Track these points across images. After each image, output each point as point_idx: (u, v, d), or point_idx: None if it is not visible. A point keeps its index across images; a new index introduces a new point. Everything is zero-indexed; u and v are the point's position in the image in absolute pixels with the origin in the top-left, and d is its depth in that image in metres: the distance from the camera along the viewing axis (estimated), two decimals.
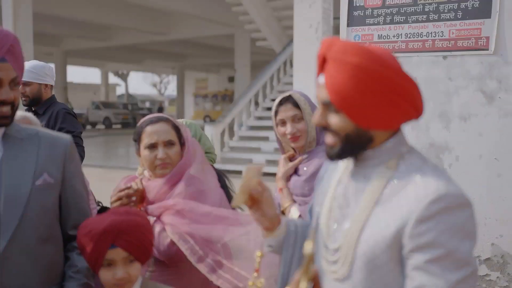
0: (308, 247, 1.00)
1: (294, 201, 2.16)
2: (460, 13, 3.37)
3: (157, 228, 1.82)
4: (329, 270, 1.18)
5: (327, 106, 1.14)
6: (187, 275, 1.89)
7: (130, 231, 1.45)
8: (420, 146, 3.56)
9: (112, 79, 36.52)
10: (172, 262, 1.84)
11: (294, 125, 2.13)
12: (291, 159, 2.25)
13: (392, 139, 1.14)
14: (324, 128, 1.16)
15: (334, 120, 1.13)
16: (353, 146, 1.13)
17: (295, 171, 2.20)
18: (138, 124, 1.98)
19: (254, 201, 1.29)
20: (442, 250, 1.01)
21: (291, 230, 1.36)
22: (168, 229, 1.80)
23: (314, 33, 6.60)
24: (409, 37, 3.55)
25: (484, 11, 3.28)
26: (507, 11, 3.21)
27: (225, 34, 16.17)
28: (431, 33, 3.48)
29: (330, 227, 1.20)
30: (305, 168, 2.16)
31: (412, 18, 3.54)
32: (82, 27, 17.68)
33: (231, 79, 23.42)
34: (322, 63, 1.14)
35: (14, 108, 1.44)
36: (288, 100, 2.16)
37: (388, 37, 3.64)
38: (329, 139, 1.16)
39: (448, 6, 3.40)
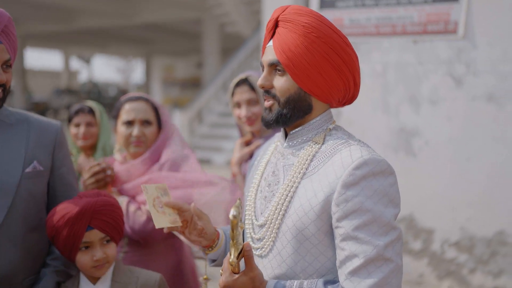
0: (232, 212, 0.98)
1: None
2: None
3: (131, 208, 1.82)
4: (255, 248, 1.21)
5: (273, 67, 1.16)
6: (161, 256, 1.89)
7: (104, 211, 1.46)
8: (390, 131, 3.57)
9: (75, 65, 35.49)
10: (147, 241, 1.84)
11: (250, 108, 2.10)
12: (247, 143, 2.22)
13: (320, 116, 1.19)
14: (267, 91, 1.18)
15: (279, 81, 1.15)
16: (292, 112, 1.15)
17: (251, 157, 2.17)
18: (119, 101, 1.99)
19: (185, 223, 1.27)
20: (369, 215, 1.03)
21: (228, 237, 1.36)
22: (144, 207, 1.80)
23: None
24: (379, 21, 3.52)
25: None
26: None
27: (193, 18, 15.87)
28: (401, 17, 3.46)
29: (257, 206, 1.22)
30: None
31: (382, 1, 3.50)
32: (42, 9, 16.98)
33: (200, 65, 23.13)
34: (273, 28, 1.16)
35: (5, 91, 1.39)
36: (245, 82, 2.13)
37: (359, 20, 3.60)
38: (267, 102, 1.18)
39: None
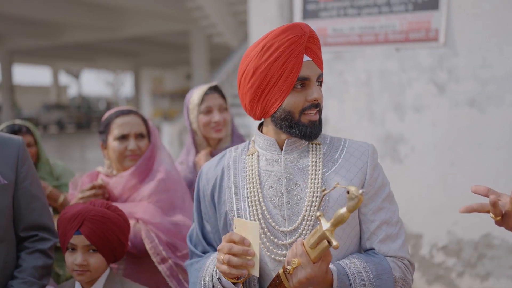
0: (355, 190, 1.01)
1: None
2: (411, 6, 3.42)
3: (132, 221, 1.83)
4: (282, 254, 1.25)
5: (317, 80, 1.26)
6: (160, 273, 1.87)
7: (95, 220, 1.50)
8: (376, 138, 3.61)
9: (64, 79, 35.35)
10: (145, 255, 1.83)
11: (222, 114, 2.14)
12: (211, 154, 2.23)
13: None
14: (317, 104, 1.26)
15: (320, 92, 1.26)
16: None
17: None
18: (106, 116, 1.98)
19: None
20: (387, 188, 1.29)
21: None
22: (141, 223, 1.83)
23: (269, 28, 6.58)
24: (362, 30, 3.58)
25: (433, 3, 3.35)
26: (454, 3, 3.28)
27: (180, 30, 15.93)
28: (384, 26, 3.52)
29: (275, 213, 1.26)
30: None
31: (364, 11, 3.56)
32: (29, 25, 16.95)
33: (188, 77, 23.15)
34: (303, 43, 1.23)
35: None
36: (216, 89, 2.18)
37: (342, 30, 3.65)
38: (317, 116, 1.28)
39: None
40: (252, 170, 1.31)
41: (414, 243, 3.51)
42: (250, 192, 1.29)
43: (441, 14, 3.32)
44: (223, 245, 1.18)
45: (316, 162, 1.27)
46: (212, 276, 1.27)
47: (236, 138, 2.24)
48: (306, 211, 1.23)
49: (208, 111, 2.14)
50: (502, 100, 3.18)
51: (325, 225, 1.05)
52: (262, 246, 1.26)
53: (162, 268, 1.74)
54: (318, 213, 1.07)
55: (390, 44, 3.51)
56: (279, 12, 5.23)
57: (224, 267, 1.17)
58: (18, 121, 2.47)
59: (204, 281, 1.29)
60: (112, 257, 1.57)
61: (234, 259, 1.15)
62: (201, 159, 2.15)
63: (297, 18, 3.86)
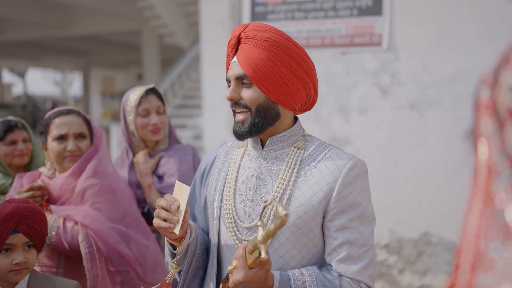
0: (284, 211, 0.98)
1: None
2: (356, 11, 3.52)
3: (69, 223, 1.79)
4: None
5: (240, 80, 1.25)
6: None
7: (31, 216, 1.51)
8: (323, 139, 3.67)
9: (7, 77, 33.76)
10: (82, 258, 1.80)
11: (159, 116, 2.15)
12: (149, 155, 2.24)
13: (296, 124, 1.33)
14: (236, 103, 1.27)
15: (247, 93, 1.25)
16: (263, 120, 1.25)
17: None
18: (46, 116, 1.94)
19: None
20: (360, 208, 1.24)
21: (194, 234, 1.39)
22: (80, 226, 1.78)
23: (221, 29, 6.57)
24: (309, 34, 3.64)
25: (376, 9, 3.46)
26: (397, 9, 3.41)
27: (131, 30, 15.60)
28: (330, 29, 3.60)
29: (240, 209, 1.30)
30: (168, 167, 2.17)
31: (311, 14, 3.63)
32: None
33: (140, 77, 22.72)
34: (235, 45, 1.26)
35: None
36: (153, 91, 2.19)
37: (290, 33, 3.69)
38: (240, 116, 1.27)
39: (344, 3, 3.53)
40: (234, 164, 1.37)
41: None
42: (226, 184, 1.35)
43: (384, 20, 3.43)
44: (158, 200, 1.26)
45: (289, 167, 1.27)
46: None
47: (174, 139, 2.24)
48: (266, 213, 1.26)
49: (146, 114, 2.14)
50: (440, 103, 3.32)
51: (260, 236, 1.05)
52: (231, 237, 1.31)
53: (89, 275, 1.72)
54: (259, 223, 1.06)
55: (336, 47, 3.59)
56: (230, 14, 5.23)
57: (157, 221, 1.23)
58: (11, 117, 2.41)
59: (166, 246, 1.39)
60: (41, 249, 1.59)
61: (162, 212, 1.21)
62: (140, 159, 2.13)
63: (246, 20, 3.87)
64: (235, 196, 1.32)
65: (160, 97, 2.19)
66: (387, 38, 3.43)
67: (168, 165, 2.15)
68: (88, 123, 1.93)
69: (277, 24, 3.73)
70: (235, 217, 1.30)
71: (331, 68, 3.62)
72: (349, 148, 3.59)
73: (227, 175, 1.37)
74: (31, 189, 1.83)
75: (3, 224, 1.47)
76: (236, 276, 1.12)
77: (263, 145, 1.33)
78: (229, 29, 6.33)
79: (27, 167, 2.39)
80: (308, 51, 3.87)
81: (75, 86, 34.60)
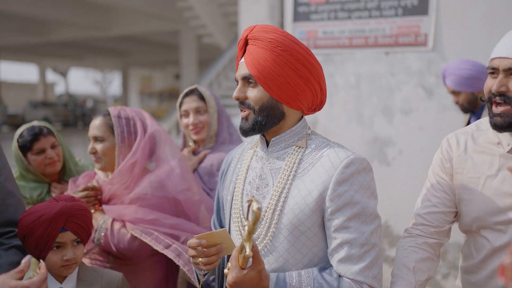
0: (257, 205, 1.00)
1: None
2: (401, 10, 3.46)
3: (116, 225, 1.84)
4: None
5: (246, 80, 1.27)
6: (145, 274, 1.90)
7: (79, 215, 1.56)
8: (365, 141, 3.64)
9: (51, 76, 35.01)
10: (132, 259, 1.86)
11: (197, 116, 2.19)
12: (194, 152, 2.28)
13: (299, 123, 1.33)
14: (242, 102, 1.29)
15: (252, 92, 1.27)
16: (266, 119, 1.27)
17: (199, 164, 2.25)
18: None
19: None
20: (358, 206, 1.19)
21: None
22: (129, 226, 1.82)
23: None
24: (352, 34, 3.61)
25: (422, 8, 3.39)
26: (443, 9, 3.33)
27: (169, 30, 15.87)
28: (374, 29, 3.55)
29: (245, 208, 1.31)
30: (212, 160, 2.20)
31: (355, 14, 3.60)
32: (16, 21, 16.74)
33: (177, 77, 23.07)
34: (243, 46, 1.29)
35: None
36: (194, 92, 2.23)
37: (332, 33, 3.68)
38: (245, 112, 1.29)
39: (389, 3, 3.48)
40: (244, 164, 1.39)
41: None
42: (236, 185, 1.38)
43: (430, 19, 3.36)
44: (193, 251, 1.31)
45: (289, 166, 1.28)
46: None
47: (222, 138, 2.25)
48: (265, 212, 1.26)
49: (186, 114, 2.22)
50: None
51: (244, 234, 1.06)
52: (237, 236, 1.35)
53: (167, 252, 1.77)
54: (245, 222, 1.05)
55: (380, 47, 3.55)
56: (269, 14, 5.25)
57: (192, 253, 1.31)
58: (35, 123, 2.29)
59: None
60: (86, 242, 1.66)
61: (199, 252, 1.30)
62: (184, 157, 2.18)
63: (288, 20, 3.88)
64: (242, 197, 1.35)
65: (201, 97, 2.22)
66: (433, 38, 3.36)
67: (208, 161, 2.20)
68: (110, 125, 1.93)
69: (320, 24, 3.72)
70: (241, 217, 1.33)
71: (374, 68, 3.58)
72: (392, 150, 3.54)
73: (238, 176, 1.40)
74: (85, 189, 1.90)
75: (52, 223, 1.51)
76: (229, 277, 1.14)
77: (268, 145, 1.35)
78: None
79: (61, 172, 2.31)
80: (351, 51, 3.86)
81: (115, 85, 35.49)
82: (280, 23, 4.78)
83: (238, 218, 1.34)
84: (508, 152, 1.37)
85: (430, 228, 1.49)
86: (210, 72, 10.50)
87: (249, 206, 1.04)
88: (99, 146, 1.92)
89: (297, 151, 1.29)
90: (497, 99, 1.32)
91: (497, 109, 1.32)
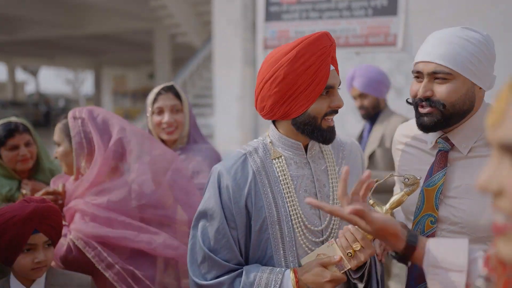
0: (415, 178, 1.25)
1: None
2: (371, 11, 3.51)
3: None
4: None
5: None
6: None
7: (50, 216, 1.55)
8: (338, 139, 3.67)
9: (21, 76, 34.14)
10: (71, 269, 1.74)
11: (173, 115, 2.09)
12: None
13: None
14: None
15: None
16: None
17: None
18: None
19: None
20: None
21: None
22: (73, 234, 1.73)
23: (233, 29, 6.59)
24: None
25: (391, 9, 3.44)
26: (412, 10, 3.39)
27: (143, 29, 15.69)
28: (344, 29, 3.59)
29: (313, 215, 1.37)
30: (185, 163, 2.08)
31: (326, 14, 3.62)
32: None
33: (151, 76, 22.85)
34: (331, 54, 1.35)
35: None
36: (170, 89, 2.13)
37: (304, 33, 3.70)
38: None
39: (360, 3, 3.52)
40: (284, 175, 1.38)
41: None
42: (288, 197, 1.36)
43: (399, 20, 3.42)
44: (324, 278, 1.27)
45: (332, 162, 1.43)
46: None
47: (194, 139, 2.18)
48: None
49: (160, 112, 2.10)
50: None
51: (381, 208, 1.25)
52: (303, 244, 1.37)
53: (109, 274, 1.67)
54: (371, 201, 1.25)
55: (351, 47, 3.58)
56: (242, 13, 5.23)
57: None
58: (13, 119, 2.24)
59: None
60: (56, 245, 1.64)
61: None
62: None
63: (260, 20, 3.88)
64: (302, 206, 1.36)
65: (178, 95, 2.13)
66: (402, 38, 3.41)
67: (193, 163, 2.09)
68: (67, 129, 1.84)
69: (292, 23, 3.73)
70: (306, 223, 1.35)
71: (345, 68, 3.61)
72: (362, 148, 3.58)
73: (280, 189, 1.36)
74: (45, 193, 1.83)
75: (25, 224, 1.49)
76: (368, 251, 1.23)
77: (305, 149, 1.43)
78: (241, 29, 6.35)
79: (33, 170, 2.28)
80: None
81: (87, 84, 34.82)
82: (252, 23, 4.78)
83: (300, 227, 1.35)
84: (431, 149, 1.45)
85: None
86: (184, 71, 10.43)
87: (373, 187, 1.20)
88: (59, 150, 1.87)
89: (325, 148, 1.44)
90: (424, 104, 1.36)
91: (423, 109, 1.36)
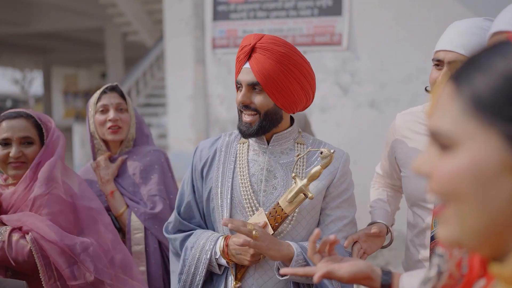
0: (328, 151, 1.32)
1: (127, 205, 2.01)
2: (316, 10, 3.57)
3: (14, 236, 1.64)
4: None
5: (251, 86, 1.42)
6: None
7: None
8: None
9: None
10: (34, 273, 1.66)
11: (118, 113, 2.02)
12: (110, 159, 2.08)
13: (294, 123, 1.54)
14: (247, 106, 1.43)
15: (258, 99, 1.42)
16: (269, 123, 1.44)
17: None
18: None
19: None
20: (349, 192, 1.51)
21: None
22: (29, 237, 1.64)
23: (184, 28, 6.52)
24: (271, 33, 3.67)
25: (336, 9, 3.52)
26: (356, 10, 3.48)
27: (94, 27, 15.25)
28: (291, 29, 3.64)
29: (253, 199, 1.47)
30: (133, 168, 2.03)
31: (273, 14, 3.66)
32: None
33: (103, 75, 22.28)
34: (249, 52, 1.41)
35: None
36: (115, 89, 2.08)
37: (252, 32, 3.71)
38: (248, 118, 1.44)
39: (305, 3, 3.58)
40: (242, 157, 1.53)
41: None
42: (239, 176, 1.50)
43: (344, 20, 3.50)
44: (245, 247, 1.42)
45: (300, 160, 1.48)
46: (211, 255, 1.49)
47: (141, 141, 2.10)
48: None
49: (104, 110, 2.02)
50: (398, 101, 3.42)
51: (301, 182, 1.34)
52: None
53: (48, 287, 1.61)
54: (293, 174, 1.35)
55: (297, 46, 3.61)
56: (194, 12, 5.19)
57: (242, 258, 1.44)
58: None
59: (199, 258, 1.50)
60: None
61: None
62: (100, 165, 2.03)
63: (208, 19, 3.87)
64: (251, 186, 1.48)
65: (122, 95, 2.06)
66: (347, 38, 3.50)
67: (130, 166, 2.02)
68: (39, 127, 1.78)
69: (239, 23, 3.74)
70: (257, 204, 1.47)
71: None
72: None
73: (234, 167, 1.53)
74: None
75: None
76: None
77: (267, 141, 1.52)
78: (193, 27, 6.29)
79: None
80: None
81: (36, 84, 33.52)
82: (203, 21, 4.75)
83: (252, 206, 1.47)
84: None
85: (387, 179, 1.81)
86: (137, 70, 10.23)
87: (294, 177, 1.35)
88: (28, 150, 1.73)
89: (299, 147, 1.51)
90: None
91: None
